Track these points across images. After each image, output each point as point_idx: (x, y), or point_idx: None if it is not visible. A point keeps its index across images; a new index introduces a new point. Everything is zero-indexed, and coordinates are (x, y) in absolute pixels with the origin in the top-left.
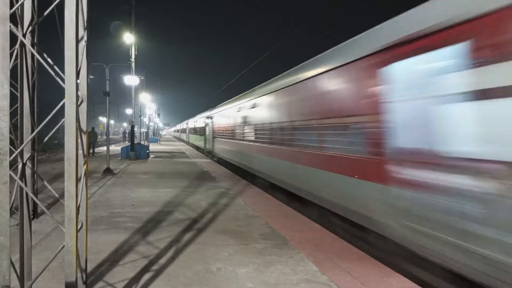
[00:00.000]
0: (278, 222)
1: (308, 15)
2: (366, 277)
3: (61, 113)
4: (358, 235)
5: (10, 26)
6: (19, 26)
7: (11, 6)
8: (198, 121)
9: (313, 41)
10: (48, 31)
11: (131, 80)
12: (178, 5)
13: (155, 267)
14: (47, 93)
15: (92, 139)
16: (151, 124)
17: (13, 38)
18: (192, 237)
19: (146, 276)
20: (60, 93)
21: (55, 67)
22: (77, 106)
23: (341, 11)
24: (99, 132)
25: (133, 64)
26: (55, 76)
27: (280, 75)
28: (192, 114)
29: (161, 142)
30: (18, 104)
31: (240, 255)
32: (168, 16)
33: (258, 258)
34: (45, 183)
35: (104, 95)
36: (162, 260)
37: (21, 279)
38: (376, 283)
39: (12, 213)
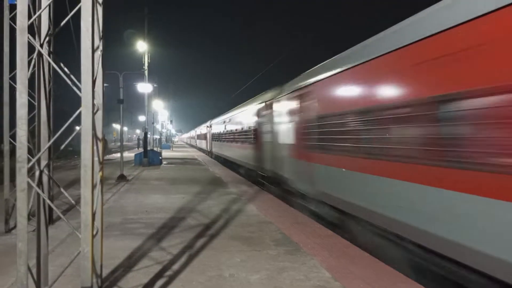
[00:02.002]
0: (290, 228)
1: (318, 22)
2: (380, 283)
3: (74, 120)
4: (372, 241)
5: (28, 37)
6: (36, 37)
7: (29, 17)
8: (202, 129)
9: (322, 47)
10: (63, 41)
11: (144, 87)
12: (190, 12)
13: (168, 273)
14: (59, 101)
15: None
16: (164, 130)
17: (29, 48)
18: (205, 243)
19: (160, 282)
20: (72, 100)
21: (72, 76)
22: (93, 114)
23: (347, 17)
24: (111, 138)
25: (146, 72)
26: (71, 85)
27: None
28: (204, 121)
29: (173, 149)
30: (36, 112)
31: (253, 261)
32: (180, 23)
33: (270, 264)
34: (62, 189)
35: (118, 102)
36: (176, 266)
37: (38, 284)
38: None
39: (28, 219)
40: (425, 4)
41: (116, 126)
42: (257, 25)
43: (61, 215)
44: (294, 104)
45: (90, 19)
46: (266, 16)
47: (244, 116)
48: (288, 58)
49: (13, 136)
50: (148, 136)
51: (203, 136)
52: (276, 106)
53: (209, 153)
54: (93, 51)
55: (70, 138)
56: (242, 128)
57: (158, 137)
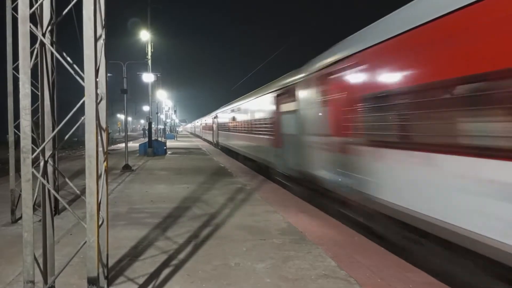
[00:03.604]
0: (295, 217)
1: (315, 16)
2: (385, 272)
3: (79, 110)
4: (377, 230)
5: (30, 26)
6: (38, 26)
7: (31, 6)
8: (197, 122)
9: (320, 38)
10: (64, 30)
11: (147, 77)
12: (193, 4)
13: (174, 262)
14: (64, 91)
15: None
16: (168, 120)
17: (32, 37)
18: (210, 232)
19: (166, 271)
20: (77, 90)
21: (75, 66)
22: (97, 104)
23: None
24: (116, 129)
25: (149, 62)
26: (74, 75)
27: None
28: (207, 111)
29: (178, 139)
30: (39, 102)
31: (258, 250)
32: (183, 13)
33: (276, 253)
34: (67, 180)
35: (122, 92)
36: (181, 255)
37: (44, 274)
38: (396, 278)
39: (34, 209)
40: None
41: (121, 116)
42: (259, 17)
43: (67, 206)
44: (220, 117)
45: (92, 7)
46: (268, 8)
47: (208, 119)
48: (288, 49)
49: (17, 127)
50: (153, 126)
51: (198, 127)
52: (217, 117)
53: (200, 136)
54: (96, 40)
55: (74, 128)
56: (209, 123)
57: (162, 127)
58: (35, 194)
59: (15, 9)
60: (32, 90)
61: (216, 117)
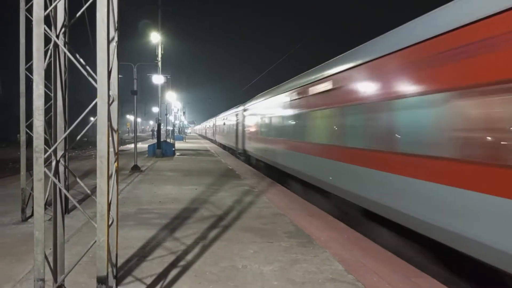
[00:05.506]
0: (303, 220)
1: (327, 16)
2: (393, 277)
3: (89, 111)
4: (385, 234)
5: (44, 28)
6: (52, 28)
7: (45, 8)
8: (203, 125)
9: (332, 41)
10: (76, 32)
11: (157, 79)
12: (203, 4)
13: (182, 263)
14: (73, 92)
15: None
16: (177, 122)
17: (45, 39)
18: (218, 234)
19: (174, 272)
20: (86, 91)
21: (87, 67)
22: (109, 105)
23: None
24: (125, 129)
25: (159, 63)
26: (87, 76)
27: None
28: (215, 113)
29: (186, 140)
30: (52, 103)
31: (265, 253)
32: (194, 14)
33: (283, 256)
34: (78, 180)
35: (132, 93)
36: (189, 256)
37: (54, 272)
38: (403, 284)
39: (44, 208)
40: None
41: (130, 117)
42: (271, 17)
43: (77, 205)
44: (217, 122)
45: (106, 10)
46: (280, 8)
47: (210, 122)
48: (300, 51)
49: (29, 127)
50: (162, 127)
51: (203, 129)
52: (215, 121)
53: (204, 137)
54: (109, 42)
55: (86, 129)
56: (211, 125)
57: (171, 128)
58: (46, 193)
59: (28, 10)
60: (44, 90)
61: (215, 121)
